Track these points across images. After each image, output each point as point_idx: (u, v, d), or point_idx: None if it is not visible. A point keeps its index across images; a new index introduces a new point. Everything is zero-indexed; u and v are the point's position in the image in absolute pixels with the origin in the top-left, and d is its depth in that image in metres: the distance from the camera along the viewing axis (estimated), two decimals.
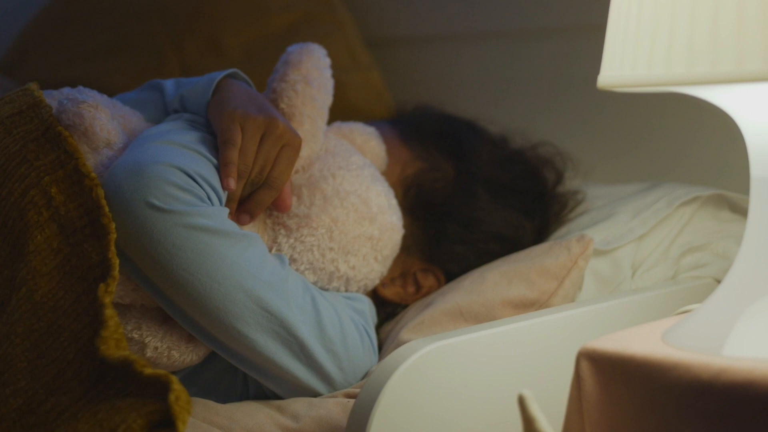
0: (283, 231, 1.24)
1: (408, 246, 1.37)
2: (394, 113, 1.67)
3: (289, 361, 1.17)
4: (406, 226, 1.37)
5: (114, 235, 1.09)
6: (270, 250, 1.24)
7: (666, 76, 0.91)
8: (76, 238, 1.10)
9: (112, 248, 1.09)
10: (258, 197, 1.20)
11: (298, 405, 1.17)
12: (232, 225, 1.15)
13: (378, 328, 1.36)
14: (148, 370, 1.02)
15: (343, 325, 1.20)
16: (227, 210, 1.16)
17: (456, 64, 1.91)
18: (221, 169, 1.16)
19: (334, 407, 1.15)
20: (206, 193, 1.13)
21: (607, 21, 0.99)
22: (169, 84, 1.28)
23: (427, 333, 1.25)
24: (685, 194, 1.38)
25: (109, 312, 1.06)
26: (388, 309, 1.39)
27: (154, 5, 1.89)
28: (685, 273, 1.35)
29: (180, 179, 1.11)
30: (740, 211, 1.40)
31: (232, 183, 1.16)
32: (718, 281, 1.32)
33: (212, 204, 1.14)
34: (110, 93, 1.78)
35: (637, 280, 1.34)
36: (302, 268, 1.25)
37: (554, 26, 1.79)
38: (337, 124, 1.38)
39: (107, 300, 1.06)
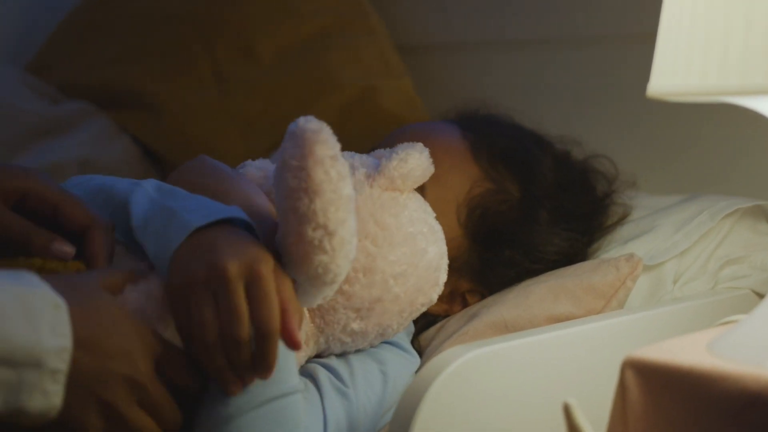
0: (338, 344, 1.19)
1: (460, 268, 1.34)
2: (454, 114, 1.52)
3: None
4: (464, 248, 1.34)
5: None
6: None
7: (720, 85, 0.90)
8: None
9: None
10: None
11: None
12: None
13: (418, 335, 1.35)
14: None
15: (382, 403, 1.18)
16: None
17: (490, 72, 1.90)
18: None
19: None
20: None
21: (645, 29, 0.98)
22: (138, 202, 1.09)
23: None
24: (728, 206, 1.37)
25: None
26: (429, 317, 1.38)
27: (185, 9, 1.89)
28: (723, 284, 1.34)
29: None
30: None
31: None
32: (756, 292, 1.31)
33: None
34: (143, 97, 1.80)
35: (676, 292, 1.34)
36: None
37: (591, 34, 1.78)
38: (381, 181, 1.19)
39: None
